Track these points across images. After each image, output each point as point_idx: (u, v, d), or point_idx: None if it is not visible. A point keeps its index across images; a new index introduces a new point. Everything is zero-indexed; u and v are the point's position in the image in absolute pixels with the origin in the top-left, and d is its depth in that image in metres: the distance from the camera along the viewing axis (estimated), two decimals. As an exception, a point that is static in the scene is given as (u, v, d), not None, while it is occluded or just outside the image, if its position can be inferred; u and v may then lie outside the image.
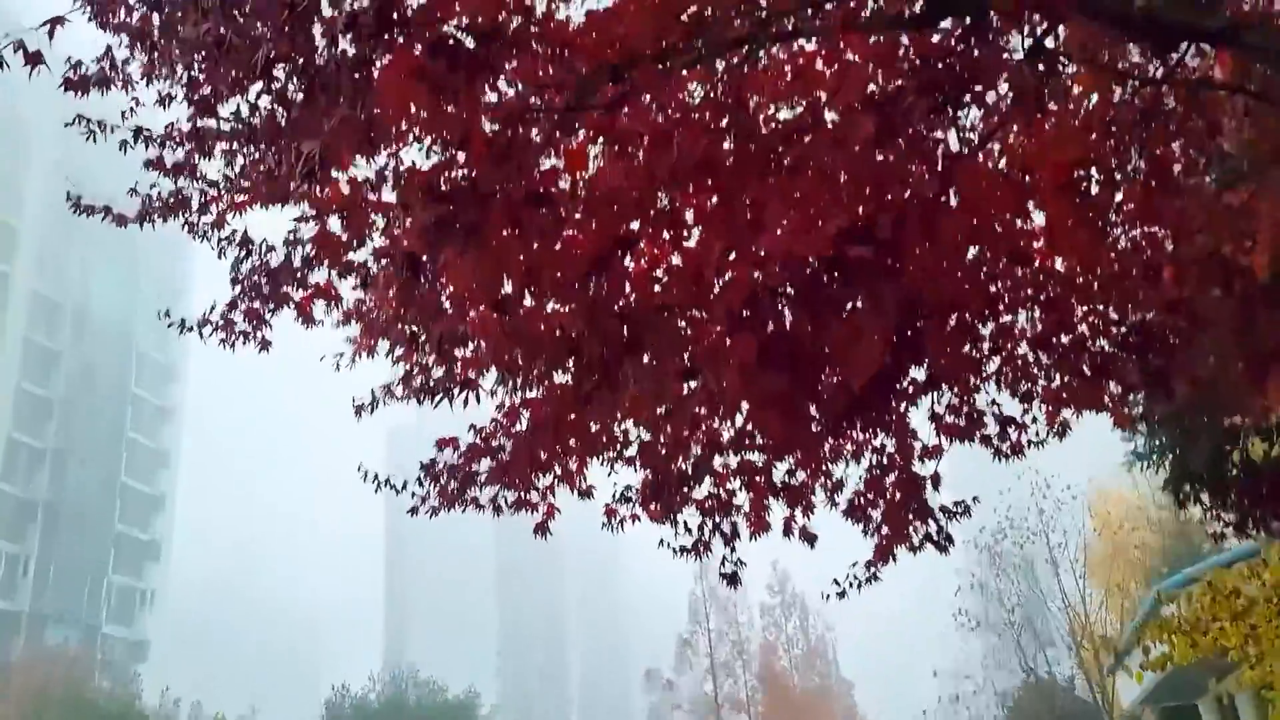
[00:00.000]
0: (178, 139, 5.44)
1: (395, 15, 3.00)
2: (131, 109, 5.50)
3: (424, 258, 3.60)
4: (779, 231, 3.73)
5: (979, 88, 4.49)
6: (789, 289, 4.12)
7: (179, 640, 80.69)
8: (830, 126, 4.01)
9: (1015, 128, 5.46)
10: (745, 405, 6.03)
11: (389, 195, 4.78)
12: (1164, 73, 5.56)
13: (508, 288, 4.04)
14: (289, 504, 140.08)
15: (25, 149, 63.67)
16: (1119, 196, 6.37)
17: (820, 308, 4.13)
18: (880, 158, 4.00)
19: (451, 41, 3.00)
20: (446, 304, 4.57)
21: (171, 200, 5.77)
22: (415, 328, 5.85)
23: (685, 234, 4.05)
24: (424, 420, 8.73)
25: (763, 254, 3.91)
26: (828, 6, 4.62)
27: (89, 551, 63.66)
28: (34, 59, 3.48)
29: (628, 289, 4.12)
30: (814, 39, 4.83)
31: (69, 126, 5.37)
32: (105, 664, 61.45)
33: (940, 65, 3.98)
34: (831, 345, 4.29)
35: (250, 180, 5.69)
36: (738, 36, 4.45)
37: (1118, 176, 6.36)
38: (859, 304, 4.13)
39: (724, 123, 3.93)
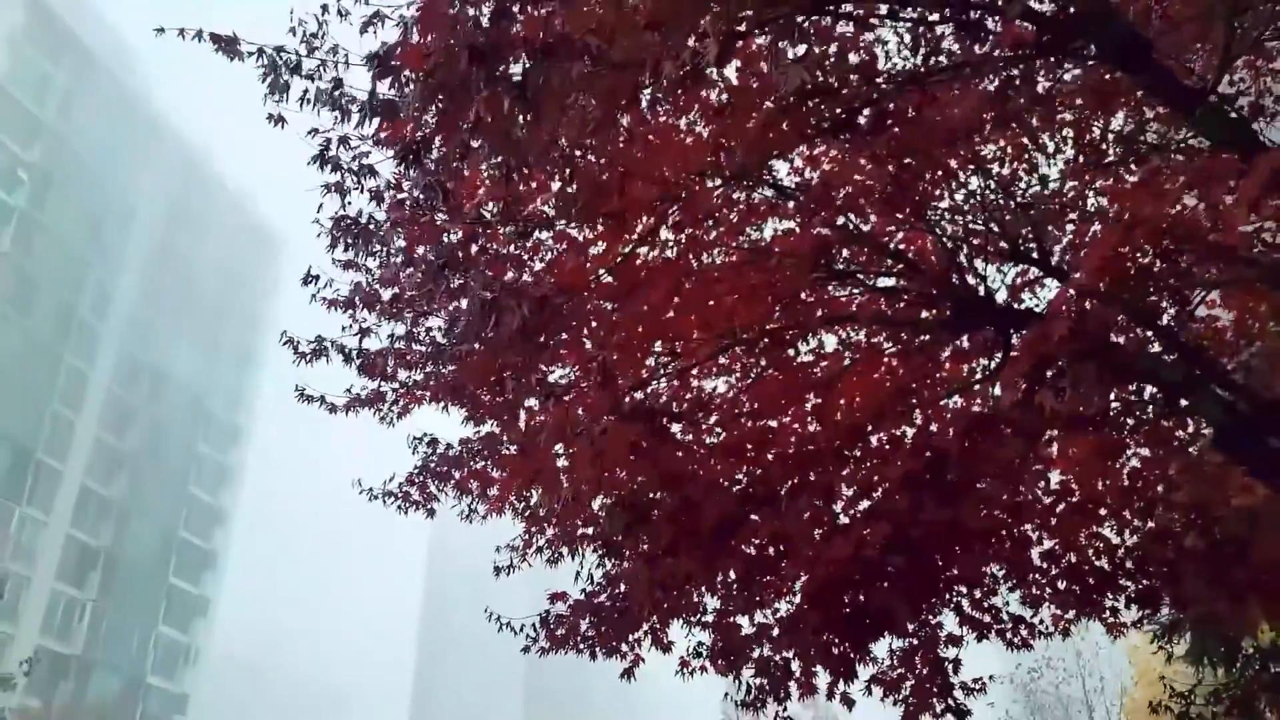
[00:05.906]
0: (386, 354, 7.19)
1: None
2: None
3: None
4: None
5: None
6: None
7: (217, 698, 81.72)
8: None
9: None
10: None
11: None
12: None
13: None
14: (328, 580, 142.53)
15: (130, 220, 67.64)
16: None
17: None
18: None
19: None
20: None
21: (371, 395, 7.49)
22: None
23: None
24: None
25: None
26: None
27: (142, 603, 65.52)
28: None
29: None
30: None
31: (306, 358, 7.19)
32: (145, 715, 63.11)
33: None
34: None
35: (427, 387, 7.43)
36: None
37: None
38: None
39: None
